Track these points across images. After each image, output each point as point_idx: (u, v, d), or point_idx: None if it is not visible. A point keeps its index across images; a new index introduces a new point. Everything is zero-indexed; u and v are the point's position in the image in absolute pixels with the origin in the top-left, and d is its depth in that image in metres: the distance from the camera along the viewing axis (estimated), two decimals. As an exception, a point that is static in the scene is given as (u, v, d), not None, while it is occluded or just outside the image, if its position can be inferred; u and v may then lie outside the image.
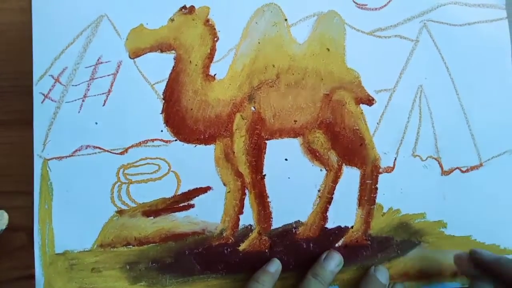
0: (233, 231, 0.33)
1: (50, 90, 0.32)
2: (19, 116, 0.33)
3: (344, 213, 0.33)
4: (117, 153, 0.32)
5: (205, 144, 0.33)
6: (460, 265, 0.32)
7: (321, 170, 0.33)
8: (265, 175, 0.33)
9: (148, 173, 0.32)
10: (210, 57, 0.33)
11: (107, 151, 0.32)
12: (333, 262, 0.32)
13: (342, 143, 0.33)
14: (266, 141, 0.33)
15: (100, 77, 0.32)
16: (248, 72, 0.33)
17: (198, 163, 0.33)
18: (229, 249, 0.33)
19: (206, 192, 0.33)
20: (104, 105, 0.32)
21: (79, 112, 0.32)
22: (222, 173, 0.33)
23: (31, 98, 0.32)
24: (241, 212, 0.33)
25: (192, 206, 0.33)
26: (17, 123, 0.33)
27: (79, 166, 0.32)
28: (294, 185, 0.33)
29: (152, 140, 0.32)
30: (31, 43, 0.32)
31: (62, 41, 0.32)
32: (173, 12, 0.33)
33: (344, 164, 0.33)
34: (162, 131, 0.32)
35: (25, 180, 0.32)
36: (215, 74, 0.33)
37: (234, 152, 0.33)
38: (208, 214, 0.33)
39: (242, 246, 0.33)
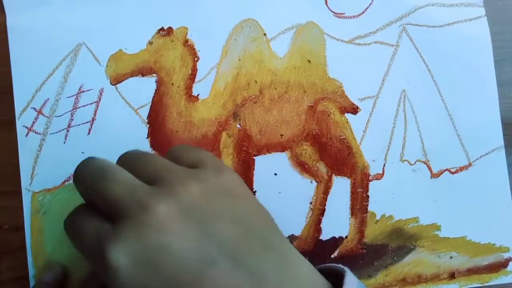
0: (228, 250, 0.33)
1: (33, 122, 0.32)
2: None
3: (337, 223, 0.33)
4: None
5: (193, 165, 0.33)
6: None
7: (311, 182, 0.33)
8: (255, 191, 0.33)
9: (138, 199, 0.32)
10: (192, 77, 0.33)
11: (96, 179, 0.32)
12: None
13: (330, 154, 0.33)
14: (254, 158, 0.33)
15: (83, 106, 0.32)
16: (231, 89, 0.33)
17: (187, 185, 0.32)
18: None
19: (197, 213, 0.33)
20: (89, 133, 0.32)
21: (64, 142, 0.32)
22: (213, 193, 0.33)
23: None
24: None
25: (185, 228, 0.32)
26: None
27: (69, 196, 0.32)
28: (285, 199, 0.33)
29: (140, 165, 0.32)
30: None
31: (42, 72, 0.32)
32: (151, 35, 0.33)
33: (333, 174, 0.33)
34: (149, 155, 0.32)
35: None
36: (198, 94, 0.33)
37: (222, 171, 0.33)
38: (202, 234, 0.33)
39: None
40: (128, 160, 0.26)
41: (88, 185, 0.24)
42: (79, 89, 0.32)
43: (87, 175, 0.24)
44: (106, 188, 0.23)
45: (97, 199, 0.24)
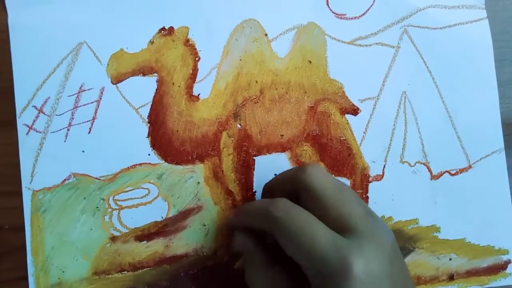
0: (227, 250, 0.33)
1: (34, 121, 0.32)
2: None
3: (336, 224, 0.33)
4: (106, 180, 0.32)
5: (194, 165, 0.33)
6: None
7: (311, 182, 0.33)
8: (255, 191, 0.33)
9: (138, 198, 0.32)
10: (193, 77, 0.33)
11: (96, 178, 0.32)
12: None
13: (330, 155, 0.33)
14: (254, 158, 0.33)
15: (84, 105, 0.32)
16: (232, 89, 0.33)
17: (187, 184, 0.33)
18: (224, 268, 0.33)
19: (197, 212, 0.33)
20: (89, 132, 0.32)
21: (65, 141, 0.32)
22: (212, 193, 0.33)
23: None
24: (233, 231, 0.33)
25: (184, 227, 0.33)
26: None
27: (69, 195, 0.32)
28: (285, 199, 0.33)
29: (140, 165, 0.32)
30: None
31: (43, 71, 0.32)
32: (152, 34, 0.33)
33: (333, 175, 0.33)
34: (149, 154, 0.32)
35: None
36: (199, 94, 0.33)
37: (223, 171, 0.33)
38: (201, 234, 0.33)
39: (237, 264, 0.33)
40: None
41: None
42: (80, 88, 0.32)
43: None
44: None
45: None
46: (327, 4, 0.34)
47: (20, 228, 0.32)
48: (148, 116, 0.32)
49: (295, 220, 0.25)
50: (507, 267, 0.35)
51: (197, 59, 0.33)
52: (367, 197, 0.34)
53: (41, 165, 0.32)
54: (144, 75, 0.32)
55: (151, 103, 0.32)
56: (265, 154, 0.33)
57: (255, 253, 0.29)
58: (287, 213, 0.25)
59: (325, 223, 0.25)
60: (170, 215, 0.32)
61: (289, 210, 0.25)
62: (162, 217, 0.32)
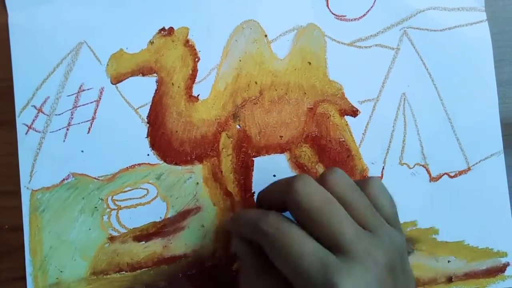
0: (225, 251, 0.33)
1: (33, 120, 0.32)
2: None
3: (335, 225, 0.33)
4: (105, 180, 0.32)
5: (193, 165, 0.33)
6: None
7: (310, 184, 0.33)
8: (254, 192, 0.33)
9: (137, 198, 0.32)
10: (192, 78, 0.33)
11: (95, 178, 0.32)
12: None
13: (329, 156, 0.33)
14: (253, 159, 0.33)
15: (83, 105, 0.32)
16: (231, 90, 0.33)
17: (186, 185, 0.33)
18: (222, 269, 0.33)
19: (196, 213, 0.33)
20: (89, 132, 0.32)
21: (64, 141, 0.32)
22: (211, 193, 0.33)
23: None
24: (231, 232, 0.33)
25: (183, 228, 0.33)
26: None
27: (68, 194, 0.32)
28: (283, 200, 0.33)
29: (139, 165, 0.32)
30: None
31: (43, 70, 0.32)
32: (152, 34, 0.33)
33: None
34: (148, 155, 0.32)
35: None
36: (198, 95, 0.33)
37: (221, 172, 0.33)
38: (199, 235, 0.33)
39: (235, 266, 0.33)
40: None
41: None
42: (80, 87, 0.32)
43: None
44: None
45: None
46: (327, 5, 0.34)
47: (19, 228, 0.32)
48: (147, 116, 0.32)
49: (284, 237, 0.24)
50: (505, 269, 0.35)
51: (196, 59, 0.33)
52: (366, 199, 0.33)
53: (40, 165, 0.32)
54: (143, 75, 0.32)
55: (150, 104, 0.32)
56: (264, 155, 0.33)
57: (247, 258, 0.28)
58: (276, 229, 0.25)
59: (316, 239, 0.24)
60: (169, 215, 0.32)
61: (279, 225, 0.25)
62: (160, 217, 0.32)
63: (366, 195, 0.26)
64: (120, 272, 0.32)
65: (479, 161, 0.34)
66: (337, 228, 0.24)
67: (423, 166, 0.34)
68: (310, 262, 0.23)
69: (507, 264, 0.35)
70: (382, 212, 0.26)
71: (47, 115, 0.32)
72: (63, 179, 0.32)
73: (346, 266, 0.23)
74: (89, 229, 0.32)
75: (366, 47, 0.34)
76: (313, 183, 0.25)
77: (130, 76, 0.32)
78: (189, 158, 0.33)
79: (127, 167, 0.32)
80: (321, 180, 0.26)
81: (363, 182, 0.27)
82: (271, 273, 0.26)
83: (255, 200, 0.33)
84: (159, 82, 0.33)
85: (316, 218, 0.24)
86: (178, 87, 0.33)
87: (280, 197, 0.26)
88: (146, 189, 0.32)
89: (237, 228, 0.29)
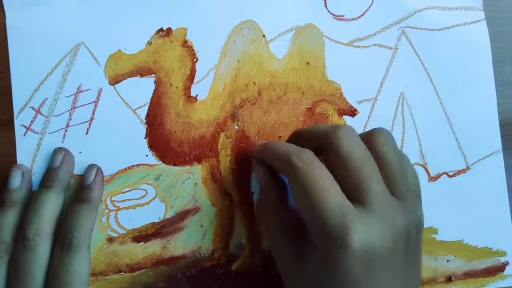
0: (225, 251, 0.33)
1: (31, 122, 0.32)
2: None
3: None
4: (104, 181, 0.32)
5: (191, 166, 0.33)
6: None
7: (309, 184, 0.33)
8: (253, 192, 0.33)
9: (136, 199, 0.32)
10: (190, 78, 0.33)
11: (93, 179, 0.32)
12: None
13: (328, 156, 0.33)
14: (252, 159, 0.33)
15: (81, 106, 0.32)
16: (230, 91, 0.33)
17: (185, 185, 0.33)
18: (221, 270, 0.33)
19: (195, 213, 0.33)
20: (87, 133, 0.32)
21: (62, 142, 0.32)
22: (210, 194, 0.33)
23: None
24: (231, 232, 0.33)
25: (182, 228, 0.33)
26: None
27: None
28: (282, 201, 0.33)
29: (138, 165, 0.32)
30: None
31: (41, 72, 0.32)
32: (150, 35, 0.33)
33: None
34: (147, 155, 0.32)
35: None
36: (196, 95, 0.33)
37: (220, 172, 0.33)
38: (198, 235, 0.33)
39: (235, 266, 0.33)
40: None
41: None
42: (78, 88, 0.32)
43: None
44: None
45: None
46: (325, 5, 0.34)
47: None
48: (145, 117, 0.32)
49: (312, 175, 0.25)
50: (504, 268, 0.35)
51: (195, 60, 0.33)
52: (365, 199, 0.33)
53: (39, 166, 0.32)
54: (142, 76, 0.32)
55: (148, 104, 0.32)
56: (263, 155, 0.33)
57: (271, 187, 0.29)
58: (307, 165, 0.25)
59: (341, 186, 0.25)
60: (168, 216, 0.32)
61: (310, 163, 0.25)
62: (159, 218, 0.32)
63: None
64: (119, 273, 0.32)
65: (478, 160, 0.34)
66: (366, 182, 0.24)
67: (422, 165, 0.34)
68: (331, 205, 0.24)
69: (506, 263, 0.35)
70: (411, 188, 0.27)
71: (45, 116, 0.32)
72: (62, 180, 0.32)
73: (364, 216, 0.23)
74: (88, 230, 0.32)
75: (364, 47, 0.34)
76: (357, 137, 0.26)
77: (128, 77, 0.32)
78: (187, 158, 0.32)
79: (125, 168, 0.32)
80: (369, 135, 0.27)
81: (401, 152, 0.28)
82: (281, 212, 0.28)
83: (254, 200, 0.33)
84: (157, 83, 0.32)
85: (349, 167, 0.25)
86: (177, 87, 0.33)
87: (318, 138, 0.27)
88: (145, 189, 0.32)
89: (266, 156, 0.30)
